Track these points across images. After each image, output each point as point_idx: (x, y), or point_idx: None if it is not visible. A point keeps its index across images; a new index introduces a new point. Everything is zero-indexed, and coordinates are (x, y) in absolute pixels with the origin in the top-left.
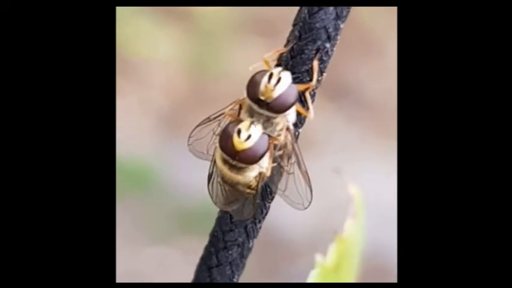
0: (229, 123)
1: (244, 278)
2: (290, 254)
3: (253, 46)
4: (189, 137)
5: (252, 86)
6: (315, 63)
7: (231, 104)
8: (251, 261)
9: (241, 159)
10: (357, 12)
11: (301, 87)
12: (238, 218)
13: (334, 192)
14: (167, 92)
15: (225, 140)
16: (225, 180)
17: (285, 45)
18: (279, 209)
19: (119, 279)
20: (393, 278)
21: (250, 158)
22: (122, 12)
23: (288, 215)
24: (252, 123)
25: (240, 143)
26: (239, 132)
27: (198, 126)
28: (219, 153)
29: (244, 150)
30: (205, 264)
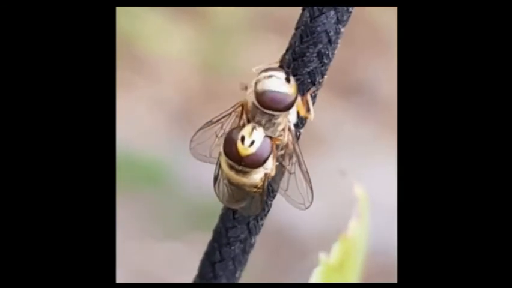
0: (231, 130)
1: (255, 274)
2: (303, 251)
3: (265, 43)
4: (191, 140)
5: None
6: (308, 97)
7: (233, 106)
8: (263, 258)
9: (247, 164)
10: (371, 9)
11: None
12: (246, 214)
13: (348, 189)
14: (180, 88)
15: (229, 147)
16: (231, 183)
17: (287, 48)
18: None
19: (129, 275)
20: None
21: (255, 162)
22: (134, 9)
23: (301, 212)
24: (253, 128)
25: (245, 149)
26: (242, 138)
27: (200, 129)
28: (224, 159)
29: (249, 156)
30: (208, 259)
